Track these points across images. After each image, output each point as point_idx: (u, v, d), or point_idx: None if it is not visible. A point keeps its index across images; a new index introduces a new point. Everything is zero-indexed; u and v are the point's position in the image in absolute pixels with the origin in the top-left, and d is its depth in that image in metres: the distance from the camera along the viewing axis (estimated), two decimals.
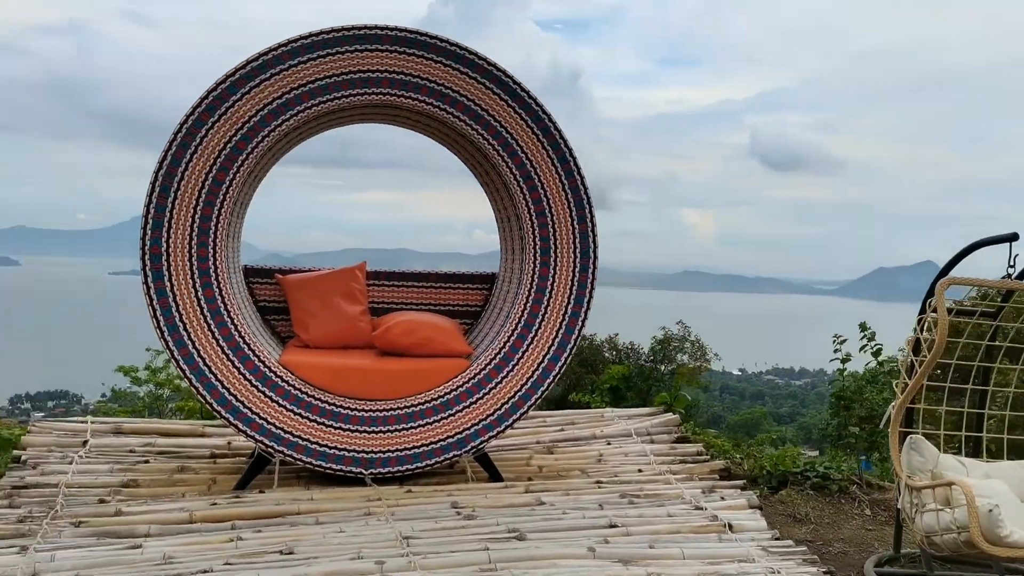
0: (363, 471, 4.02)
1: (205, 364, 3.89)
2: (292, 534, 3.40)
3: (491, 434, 4.14)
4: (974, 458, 3.45)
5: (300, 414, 3.99)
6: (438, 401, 4.12)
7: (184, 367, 3.88)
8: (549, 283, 4.23)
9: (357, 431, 4.03)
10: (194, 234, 3.89)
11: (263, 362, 3.97)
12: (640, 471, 4.43)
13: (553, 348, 4.22)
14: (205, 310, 3.90)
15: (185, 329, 3.88)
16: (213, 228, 3.91)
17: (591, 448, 4.79)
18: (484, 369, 4.17)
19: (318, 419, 4.00)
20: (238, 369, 3.93)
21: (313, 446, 3.98)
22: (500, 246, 4.73)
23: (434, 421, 4.09)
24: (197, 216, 3.89)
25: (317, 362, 4.13)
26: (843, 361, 6.37)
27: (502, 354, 4.18)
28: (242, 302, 4.24)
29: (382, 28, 4.00)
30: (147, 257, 3.84)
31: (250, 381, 3.94)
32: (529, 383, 4.18)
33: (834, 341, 6.38)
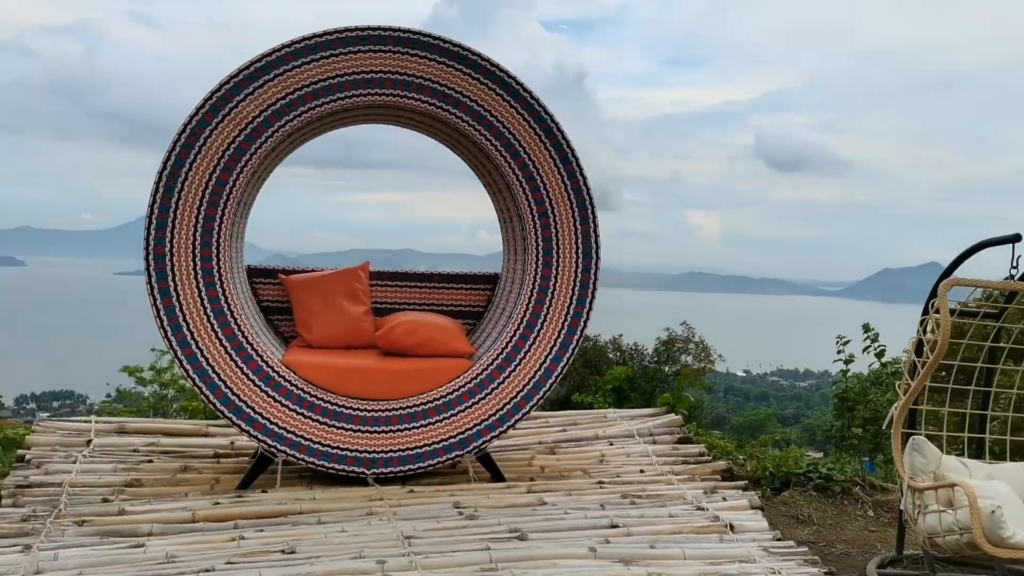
0: (365, 471, 4.03)
1: (208, 364, 3.90)
2: (294, 533, 3.41)
3: (493, 434, 4.14)
4: (977, 459, 3.44)
5: (303, 414, 4.00)
6: (440, 401, 4.12)
7: (187, 367, 3.89)
8: (551, 283, 4.23)
9: (360, 431, 4.04)
10: (198, 234, 3.90)
11: (266, 362, 3.98)
12: (642, 472, 4.43)
13: (555, 349, 4.22)
14: (208, 310, 3.92)
15: (188, 329, 3.89)
16: (216, 228, 3.93)
17: (593, 449, 4.79)
18: (486, 369, 4.17)
19: (321, 419, 4.01)
20: (241, 369, 3.94)
21: (316, 446, 3.99)
22: (503, 246, 4.74)
23: (436, 421, 4.10)
24: (201, 216, 3.90)
25: (320, 362, 4.14)
26: (846, 362, 6.36)
27: (504, 354, 4.19)
28: (245, 302, 4.26)
29: (385, 29, 4.01)
30: (151, 257, 3.86)
31: (253, 381, 3.95)
32: (531, 383, 4.18)
33: (837, 342, 6.38)
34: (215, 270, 3.93)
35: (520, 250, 4.41)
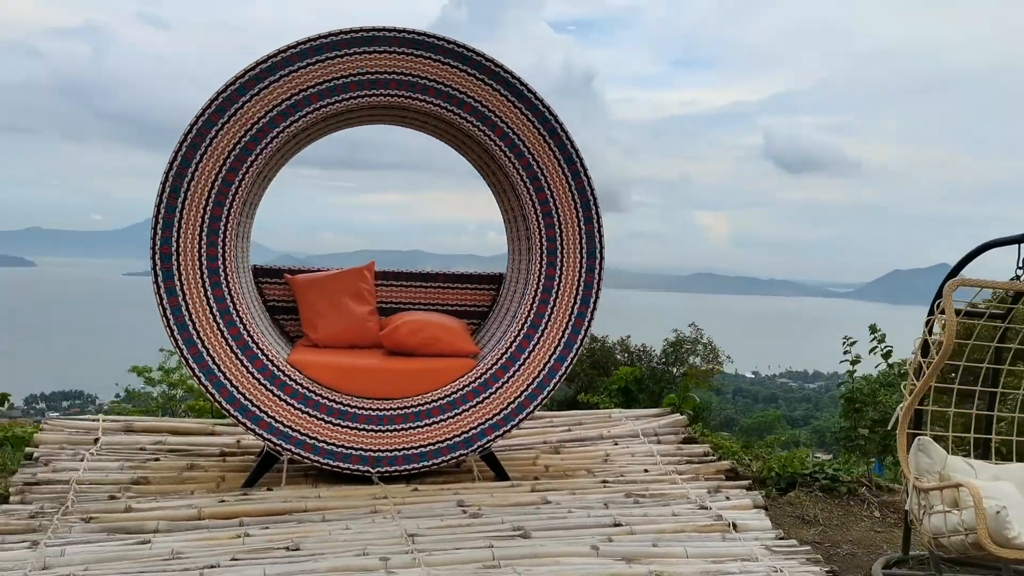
0: (370, 470, 4.04)
1: (214, 363, 3.93)
2: (299, 531, 3.43)
3: (497, 433, 4.15)
4: (983, 460, 3.42)
5: (308, 413, 4.01)
6: (445, 400, 4.13)
7: (193, 366, 3.92)
8: (555, 283, 4.24)
9: (364, 430, 4.05)
10: (204, 234, 3.93)
11: (272, 361, 4.00)
12: (646, 471, 4.43)
13: (559, 348, 4.23)
14: (214, 309, 3.94)
15: (195, 328, 3.91)
16: (223, 228, 3.95)
17: (598, 448, 4.79)
18: (491, 369, 4.18)
19: (326, 418, 4.03)
20: (247, 368, 3.96)
21: (321, 444, 4.01)
22: (508, 246, 4.75)
23: (441, 420, 4.11)
24: (207, 216, 3.93)
25: (325, 361, 4.16)
26: (852, 363, 6.34)
27: (508, 354, 4.20)
28: (251, 302, 4.28)
29: (389, 30, 4.03)
30: (157, 257, 3.89)
31: (259, 380, 3.97)
32: (535, 383, 4.19)
33: (844, 343, 6.35)
34: (221, 270, 3.95)
35: (525, 250, 4.42)
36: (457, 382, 4.17)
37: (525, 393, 4.18)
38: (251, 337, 3.98)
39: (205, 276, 3.93)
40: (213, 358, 3.92)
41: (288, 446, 3.97)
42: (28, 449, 4.42)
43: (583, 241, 4.25)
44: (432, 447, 4.10)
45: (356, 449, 4.04)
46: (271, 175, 4.40)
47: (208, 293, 3.93)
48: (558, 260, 4.24)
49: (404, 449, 4.07)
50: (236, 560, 3.12)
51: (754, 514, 3.82)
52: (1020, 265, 3.33)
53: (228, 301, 3.96)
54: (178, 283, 3.90)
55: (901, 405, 3.31)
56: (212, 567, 3.04)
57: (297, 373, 4.06)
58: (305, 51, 3.96)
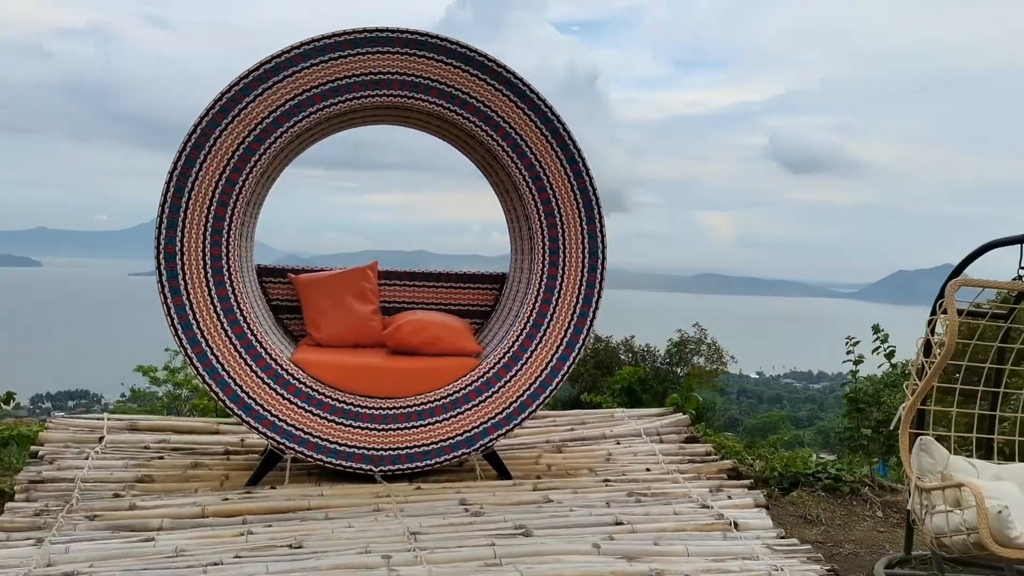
0: (373, 468, 4.05)
1: (218, 362, 3.94)
2: (302, 529, 3.45)
3: (500, 432, 4.16)
4: (986, 460, 3.42)
5: (311, 411, 4.03)
6: (447, 399, 4.15)
7: (197, 364, 3.93)
8: (558, 283, 4.25)
9: (367, 429, 4.07)
10: (208, 234, 3.95)
11: (275, 360, 4.02)
12: (648, 470, 4.44)
13: (562, 348, 4.24)
14: (218, 308, 3.96)
15: (199, 327, 3.93)
16: (226, 228, 3.97)
17: (600, 447, 4.80)
18: (493, 368, 4.19)
19: (329, 416, 4.04)
20: (250, 367, 3.98)
21: (324, 443, 4.02)
22: (510, 246, 4.76)
23: (443, 419, 4.12)
24: (211, 216, 3.94)
25: (328, 360, 4.18)
26: (855, 363, 6.32)
27: (511, 353, 4.21)
28: (255, 301, 4.30)
29: (392, 31, 4.04)
30: (161, 256, 3.91)
31: (262, 379, 3.99)
32: (538, 382, 4.20)
33: (846, 343, 6.32)
34: (225, 269, 3.97)
35: (527, 250, 4.44)
36: (459, 381, 4.18)
37: (527, 392, 4.19)
38: (255, 336, 4.00)
39: (209, 275, 3.95)
40: (217, 357, 3.94)
41: (291, 445, 3.99)
42: (33, 447, 4.44)
43: (585, 241, 4.26)
44: (434, 446, 4.11)
45: (359, 448, 4.05)
46: (275, 175, 4.42)
47: (212, 292, 3.95)
48: (560, 260, 4.25)
49: (407, 448, 4.09)
50: (239, 558, 3.13)
51: (755, 513, 3.83)
52: (1022, 265, 3.33)
53: (232, 300, 3.98)
54: (182, 282, 3.92)
55: (903, 405, 3.31)
56: (215, 564, 3.06)
57: (300, 372, 4.07)
58: (308, 52, 3.98)
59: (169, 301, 3.91)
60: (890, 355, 6.28)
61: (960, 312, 3.31)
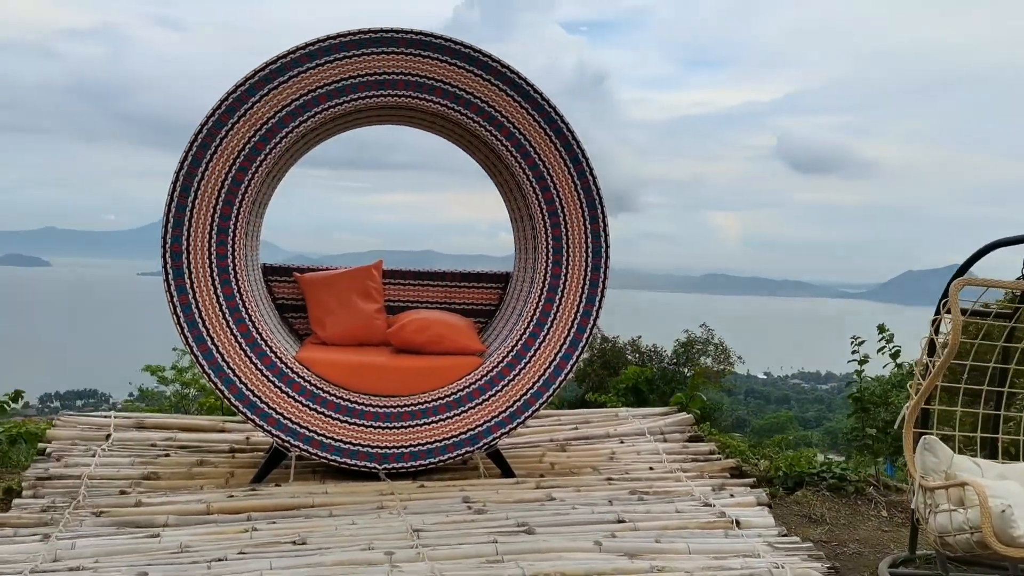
0: (377, 466, 4.07)
1: (224, 360, 3.97)
2: (306, 526, 3.47)
3: (503, 431, 4.18)
4: (990, 460, 3.41)
5: (316, 410, 4.05)
6: (451, 398, 4.16)
7: (203, 363, 3.96)
8: (561, 282, 4.26)
9: (372, 427, 4.09)
10: (213, 233, 3.97)
11: (280, 358, 4.05)
12: (651, 469, 4.44)
13: (565, 347, 4.25)
14: (224, 307, 3.99)
15: (204, 326, 3.96)
16: (232, 227, 4.00)
17: (604, 446, 4.81)
18: (497, 367, 4.21)
19: (334, 415, 4.06)
20: (256, 365, 4.01)
21: (328, 441, 4.04)
22: (515, 246, 4.78)
23: (447, 418, 4.14)
24: (217, 215, 3.97)
25: (333, 359, 4.20)
26: (861, 363, 6.30)
27: (514, 352, 4.22)
28: (260, 300, 4.32)
29: (397, 31, 4.06)
30: (168, 255, 3.94)
31: (267, 377, 4.01)
32: (541, 381, 4.21)
33: (852, 343, 6.30)
34: (230, 268, 4.00)
35: (531, 249, 4.45)
36: (463, 380, 4.20)
37: (531, 391, 4.20)
38: (260, 335, 4.03)
39: (215, 274, 3.98)
40: (223, 355, 3.97)
41: (296, 443, 4.01)
42: (41, 445, 4.48)
43: (589, 241, 4.27)
44: (438, 444, 4.12)
45: (363, 446, 4.07)
46: (280, 175, 4.45)
47: (218, 291, 3.98)
48: (564, 259, 4.26)
49: (411, 446, 4.10)
50: (243, 553, 3.16)
51: (757, 511, 3.83)
52: None
53: (237, 299, 4.00)
54: (188, 281, 3.95)
55: (907, 404, 3.31)
56: (220, 560, 3.08)
57: (305, 370, 4.09)
58: (314, 52, 4.00)
59: (175, 300, 3.94)
60: (895, 355, 6.26)
61: (964, 312, 3.30)
